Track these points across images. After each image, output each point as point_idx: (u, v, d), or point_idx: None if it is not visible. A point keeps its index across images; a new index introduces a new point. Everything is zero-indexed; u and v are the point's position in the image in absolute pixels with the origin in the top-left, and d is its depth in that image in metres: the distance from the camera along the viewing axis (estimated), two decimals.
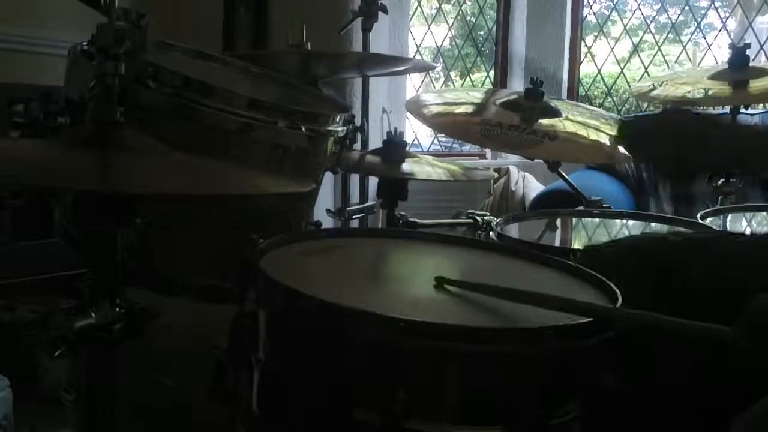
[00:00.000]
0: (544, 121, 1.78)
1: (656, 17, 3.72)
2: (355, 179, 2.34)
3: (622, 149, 1.75)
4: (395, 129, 1.71)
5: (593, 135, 1.82)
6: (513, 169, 3.22)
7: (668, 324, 0.76)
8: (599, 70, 3.78)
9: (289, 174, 1.18)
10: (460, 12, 3.95)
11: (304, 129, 1.19)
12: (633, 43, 3.78)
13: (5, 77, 2.25)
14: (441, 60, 3.93)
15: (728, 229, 1.43)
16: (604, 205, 1.78)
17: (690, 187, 1.44)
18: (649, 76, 3.57)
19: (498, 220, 1.50)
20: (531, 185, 3.17)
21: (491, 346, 0.76)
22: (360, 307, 0.78)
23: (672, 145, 0.97)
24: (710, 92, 1.90)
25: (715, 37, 3.58)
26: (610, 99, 3.82)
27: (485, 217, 1.55)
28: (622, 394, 0.84)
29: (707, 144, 0.95)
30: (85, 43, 1.11)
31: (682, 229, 1.38)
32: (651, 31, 3.70)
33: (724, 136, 0.97)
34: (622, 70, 3.76)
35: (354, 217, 2.02)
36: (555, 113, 1.83)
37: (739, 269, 0.96)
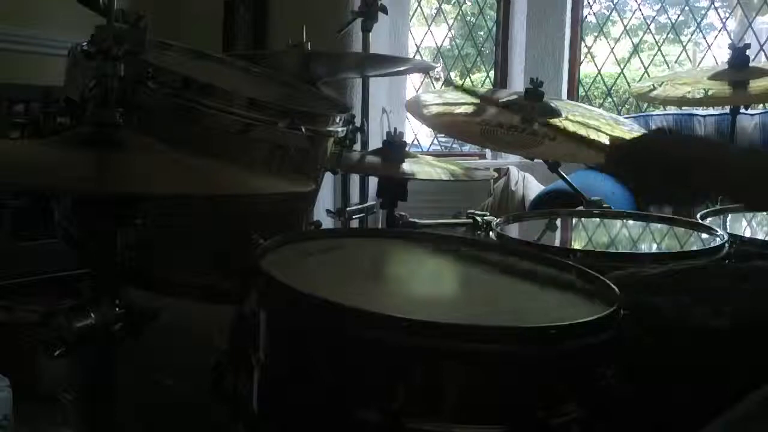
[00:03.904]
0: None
1: (656, 17, 3.72)
2: (355, 179, 2.34)
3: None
4: (395, 129, 1.70)
5: (593, 135, 1.82)
6: (513, 169, 3.22)
7: None
8: (599, 71, 3.78)
9: (289, 174, 1.18)
10: (460, 12, 3.95)
11: (304, 129, 1.19)
12: (633, 44, 3.78)
13: (5, 77, 2.25)
14: (441, 60, 3.93)
15: (728, 229, 1.43)
16: (604, 205, 1.78)
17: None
18: (649, 76, 3.57)
19: (498, 220, 1.49)
20: (531, 185, 3.16)
21: (492, 345, 0.76)
22: (361, 307, 0.78)
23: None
24: (710, 92, 1.91)
25: (715, 37, 3.58)
26: (610, 99, 3.82)
27: (485, 217, 1.55)
28: (622, 394, 0.84)
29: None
30: (85, 43, 1.11)
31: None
32: (651, 32, 3.70)
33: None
34: (622, 70, 3.75)
35: (354, 217, 2.02)
36: (555, 113, 1.83)
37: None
